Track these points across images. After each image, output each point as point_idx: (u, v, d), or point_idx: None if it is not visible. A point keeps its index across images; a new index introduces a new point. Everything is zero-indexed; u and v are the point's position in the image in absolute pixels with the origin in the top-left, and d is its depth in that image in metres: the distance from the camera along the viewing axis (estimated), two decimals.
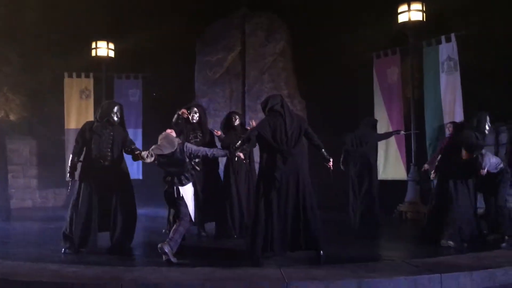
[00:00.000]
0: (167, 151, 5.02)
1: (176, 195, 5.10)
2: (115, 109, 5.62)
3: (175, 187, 5.10)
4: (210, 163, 6.47)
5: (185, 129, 6.45)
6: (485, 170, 5.83)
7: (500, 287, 4.37)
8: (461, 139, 5.77)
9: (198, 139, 6.47)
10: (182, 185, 5.11)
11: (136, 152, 5.42)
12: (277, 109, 5.07)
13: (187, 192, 5.16)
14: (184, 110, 6.46)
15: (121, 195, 5.51)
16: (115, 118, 5.59)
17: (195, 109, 6.68)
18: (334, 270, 4.53)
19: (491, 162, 5.91)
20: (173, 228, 5.09)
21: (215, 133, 6.89)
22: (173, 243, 4.92)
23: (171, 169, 5.13)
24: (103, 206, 5.48)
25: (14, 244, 6.27)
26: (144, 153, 5.15)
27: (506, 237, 5.83)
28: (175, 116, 6.45)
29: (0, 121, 10.72)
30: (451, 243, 5.60)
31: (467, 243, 5.69)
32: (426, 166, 6.96)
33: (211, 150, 5.60)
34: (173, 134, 5.32)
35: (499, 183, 5.95)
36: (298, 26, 10.73)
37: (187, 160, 5.24)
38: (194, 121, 6.60)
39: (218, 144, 6.80)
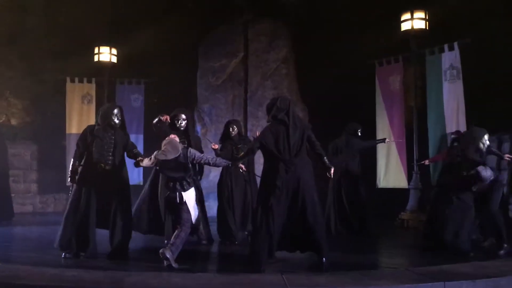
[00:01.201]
0: (171, 156, 4.99)
1: (178, 201, 5.07)
2: (115, 111, 5.57)
3: (177, 193, 5.07)
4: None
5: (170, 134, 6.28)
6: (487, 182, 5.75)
7: None
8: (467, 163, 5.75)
9: (185, 145, 6.37)
10: (184, 190, 5.08)
11: (137, 159, 5.39)
12: (281, 118, 5.03)
13: (190, 197, 5.13)
14: (166, 116, 6.21)
15: (120, 201, 5.46)
16: (116, 121, 5.54)
17: (183, 116, 6.45)
18: (336, 277, 4.49)
19: (488, 175, 5.81)
20: (175, 233, 5.04)
21: (212, 146, 6.83)
22: (174, 249, 4.89)
23: (173, 174, 5.10)
24: (101, 210, 5.43)
25: (15, 248, 6.27)
26: (145, 161, 5.16)
27: (505, 245, 5.75)
28: (156, 119, 6.21)
29: (2, 125, 10.70)
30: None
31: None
32: (427, 161, 6.95)
33: (214, 158, 5.58)
34: (177, 139, 5.29)
35: (491, 191, 5.84)
36: (301, 33, 10.75)
37: (190, 165, 5.22)
38: (182, 128, 6.39)
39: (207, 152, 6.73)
